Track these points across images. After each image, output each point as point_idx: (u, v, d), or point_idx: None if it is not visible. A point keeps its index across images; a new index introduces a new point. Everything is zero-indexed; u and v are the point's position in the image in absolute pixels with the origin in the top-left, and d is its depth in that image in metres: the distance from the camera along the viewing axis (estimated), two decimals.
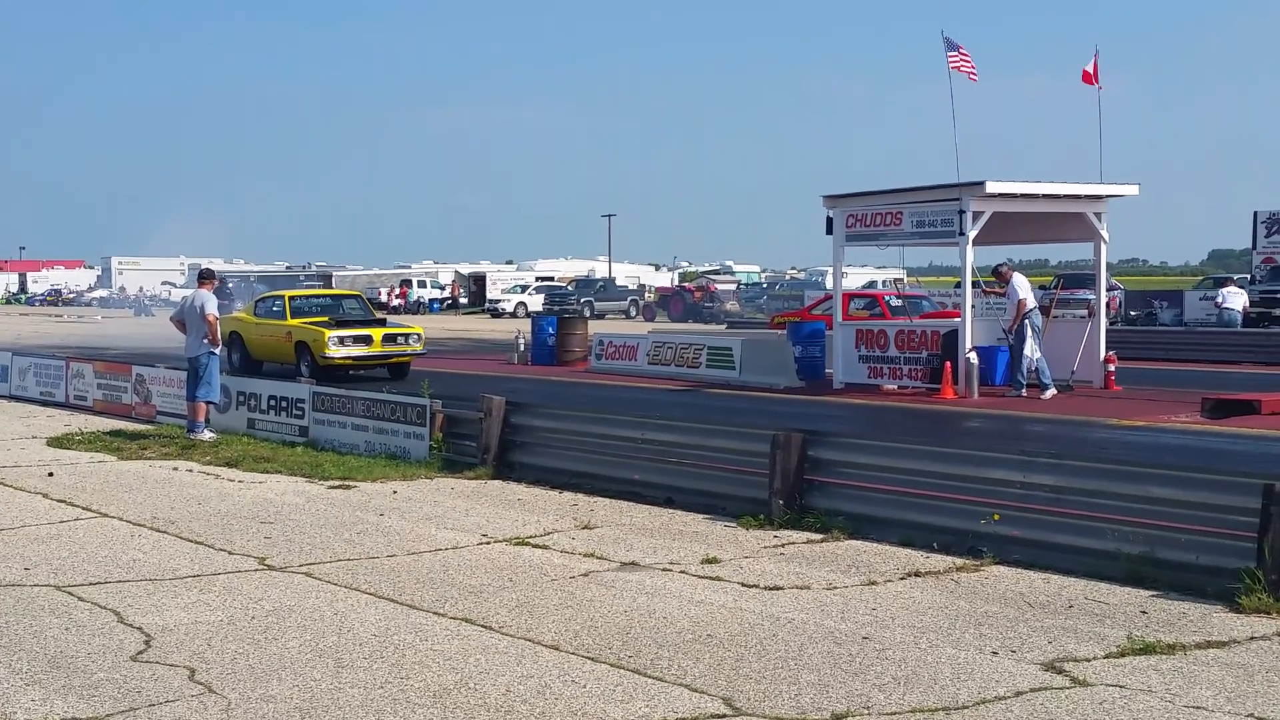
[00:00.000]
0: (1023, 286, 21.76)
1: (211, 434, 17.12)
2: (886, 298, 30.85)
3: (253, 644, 7.69)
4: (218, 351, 17.62)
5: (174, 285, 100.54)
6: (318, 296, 30.74)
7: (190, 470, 14.97)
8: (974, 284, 22.32)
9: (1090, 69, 23.41)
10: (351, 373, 25.68)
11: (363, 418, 15.92)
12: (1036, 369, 21.13)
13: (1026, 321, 21.22)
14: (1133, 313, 44.86)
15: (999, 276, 22.35)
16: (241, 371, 25.36)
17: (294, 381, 18.68)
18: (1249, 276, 44.95)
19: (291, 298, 28.71)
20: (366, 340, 26.01)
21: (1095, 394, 21.54)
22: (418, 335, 27.06)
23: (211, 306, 17.55)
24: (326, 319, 26.78)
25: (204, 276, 18.62)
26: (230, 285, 44.10)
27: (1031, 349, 21.17)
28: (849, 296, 30.60)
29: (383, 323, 27.91)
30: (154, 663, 7.34)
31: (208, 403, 17.46)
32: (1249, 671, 7.05)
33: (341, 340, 25.68)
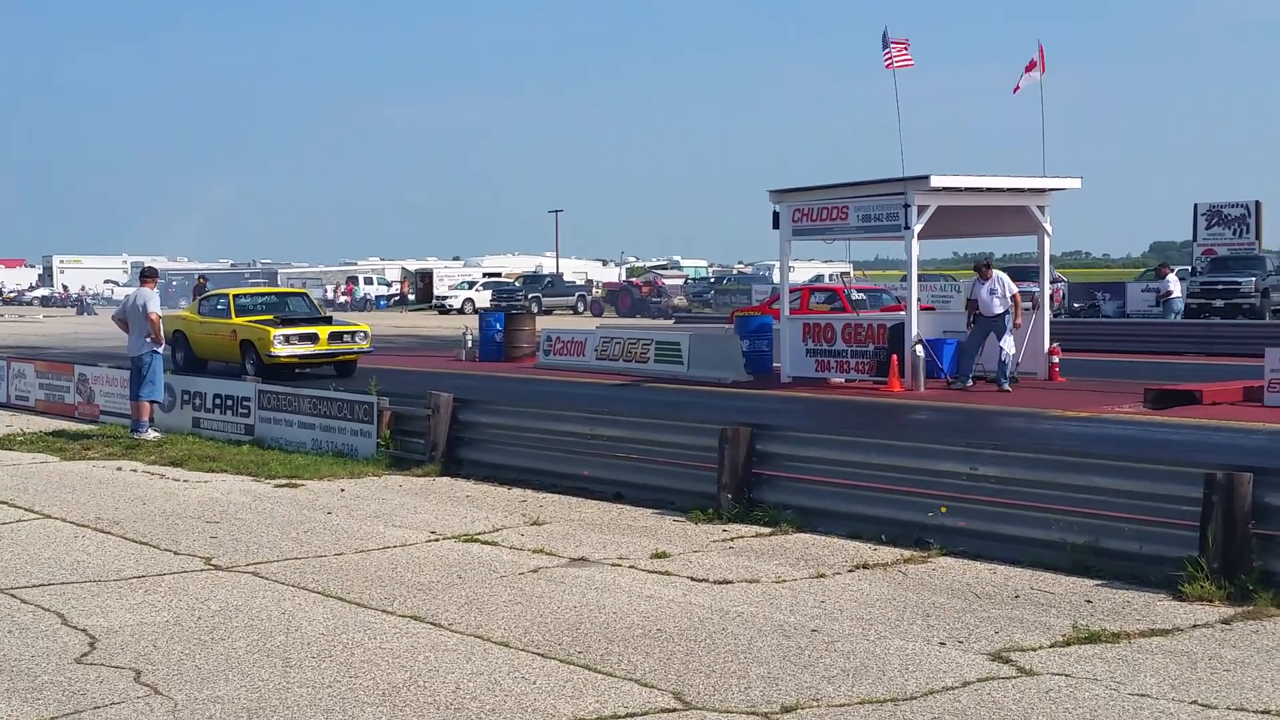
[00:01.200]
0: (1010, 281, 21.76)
1: (156, 433, 16.97)
2: (847, 291, 30.87)
3: (199, 644, 7.63)
4: (161, 350, 17.44)
5: (116, 284, 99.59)
6: (263, 294, 30.32)
7: (135, 470, 14.83)
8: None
9: (1029, 68, 23.65)
10: (297, 371, 25.45)
11: (309, 416, 15.83)
12: (1009, 362, 21.07)
13: (1008, 317, 21.15)
14: (1076, 305, 45.25)
15: (980, 272, 21.78)
16: (186, 371, 24.92)
17: (240, 380, 18.53)
18: (1190, 268, 45.45)
19: (236, 296, 28.22)
20: (312, 338, 25.69)
21: (1040, 385, 21.73)
22: (364, 333, 26.77)
23: (154, 305, 17.37)
24: (272, 317, 26.46)
25: (146, 275, 18.44)
26: (210, 284, 43.64)
27: (1010, 344, 21.08)
28: (810, 290, 30.66)
29: (329, 320, 27.64)
30: (99, 665, 7.27)
31: (152, 402, 17.30)
32: (1192, 659, 7.13)
33: (287, 339, 25.35)
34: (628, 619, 8.10)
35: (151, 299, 17.42)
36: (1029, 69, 23.83)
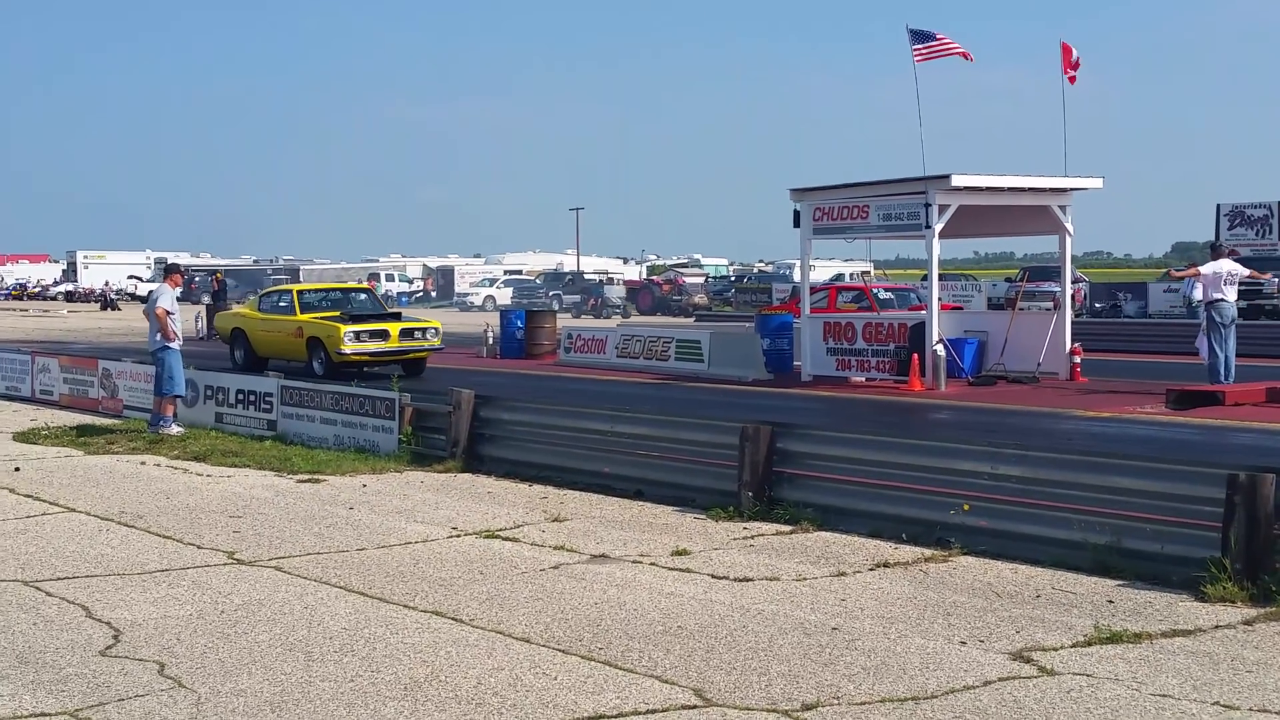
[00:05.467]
0: (1209, 266, 19.81)
1: (178, 428, 17.02)
2: (874, 290, 30.79)
3: (222, 638, 7.68)
4: (175, 345, 17.36)
5: (140, 280, 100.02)
6: (328, 290, 29.10)
7: (158, 465, 14.91)
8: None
9: (1065, 64, 23.48)
10: (366, 369, 24.37)
11: (332, 411, 15.89)
12: (1208, 366, 19.76)
13: (1207, 313, 19.80)
14: (1098, 305, 45.12)
15: (1214, 254, 20.30)
16: (246, 370, 23.80)
17: (263, 376, 18.57)
18: None
19: (300, 291, 27.08)
20: (383, 335, 24.58)
21: (1061, 385, 21.67)
22: (435, 330, 25.52)
23: (164, 301, 17.32)
24: (339, 313, 25.45)
25: (168, 270, 18.41)
26: (228, 280, 43.58)
27: (1200, 342, 19.61)
28: (837, 290, 30.61)
29: (398, 316, 26.52)
30: (123, 657, 7.32)
31: (173, 396, 17.34)
32: (1214, 660, 7.12)
33: (358, 335, 24.23)
34: (648, 616, 8.12)
35: (163, 295, 17.41)
36: (1074, 65, 23.58)
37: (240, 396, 17.49)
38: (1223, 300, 19.49)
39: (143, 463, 15.06)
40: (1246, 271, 20.36)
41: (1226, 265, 19.88)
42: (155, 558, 9.96)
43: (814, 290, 25.94)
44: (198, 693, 6.68)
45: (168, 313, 17.27)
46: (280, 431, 16.51)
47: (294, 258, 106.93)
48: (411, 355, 25.03)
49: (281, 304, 26.67)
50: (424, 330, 25.38)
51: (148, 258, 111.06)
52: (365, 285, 32.75)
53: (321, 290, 29.05)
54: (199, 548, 10.33)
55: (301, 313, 25.63)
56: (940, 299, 23.01)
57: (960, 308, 31.64)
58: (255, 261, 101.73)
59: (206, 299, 45.54)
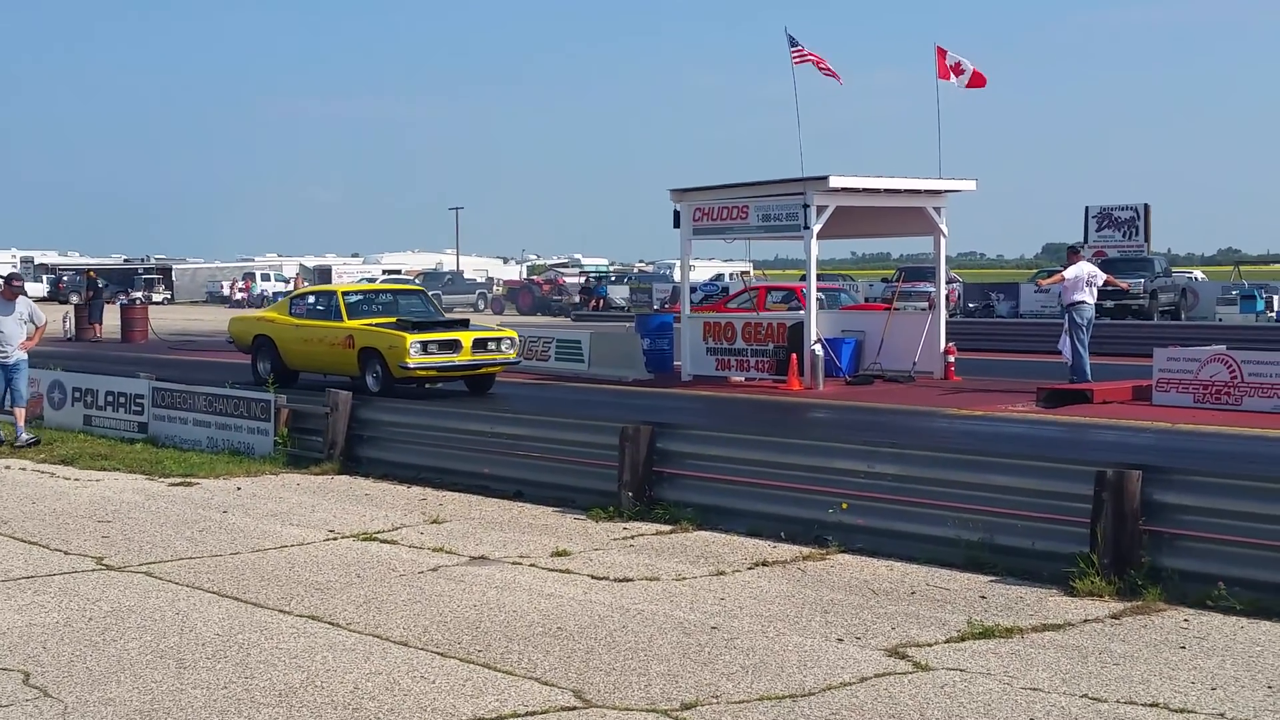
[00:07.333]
0: (1071, 271, 20.19)
1: None
2: (804, 290, 30.75)
3: (90, 646, 7.50)
4: None
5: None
6: (376, 292, 25.21)
7: (24, 469, 14.53)
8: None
9: (940, 69, 23.73)
10: (427, 385, 21.56)
11: (205, 413, 15.62)
12: (1072, 365, 20.02)
13: (1068, 314, 20.11)
14: (971, 305, 45.92)
15: (1071, 256, 20.72)
16: (274, 383, 19.25)
17: (133, 378, 18.09)
18: None
19: (346, 293, 23.16)
20: (454, 346, 20.94)
21: (936, 384, 22.01)
22: (511, 340, 22.09)
23: None
24: (396, 320, 21.63)
25: (5, 280, 17.02)
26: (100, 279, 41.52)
27: (1062, 343, 20.18)
28: (766, 290, 30.66)
29: (466, 324, 22.52)
30: None
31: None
32: (1083, 653, 7.27)
33: (425, 346, 20.57)
34: (528, 617, 8.09)
35: None
36: (957, 71, 23.69)
37: (110, 398, 17.12)
38: (1083, 302, 19.99)
39: (7, 467, 14.67)
40: (1104, 276, 20.94)
41: (1087, 269, 20.40)
42: (20, 564, 9.70)
43: (744, 291, 25.98)
44: (64, 702, 6.51)
45: None
46: (152, 434, 16.18)
47: (165, 256, 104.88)
48: (484, 370, 21.73)
49: (321, 308, 22.75)
50: (498, 341, 21.82)
51: (13, 256, 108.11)
52: (418, 286, 28.65)
53: (368, 292, 25.16)
54: (66, 553, 10.08)
55: (350, 318, 21.83)
56: (884, 299, 23.03)
57: (894, 306, 31.97)
58: (125, 260, 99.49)
59: (75, 299, 44.53)
